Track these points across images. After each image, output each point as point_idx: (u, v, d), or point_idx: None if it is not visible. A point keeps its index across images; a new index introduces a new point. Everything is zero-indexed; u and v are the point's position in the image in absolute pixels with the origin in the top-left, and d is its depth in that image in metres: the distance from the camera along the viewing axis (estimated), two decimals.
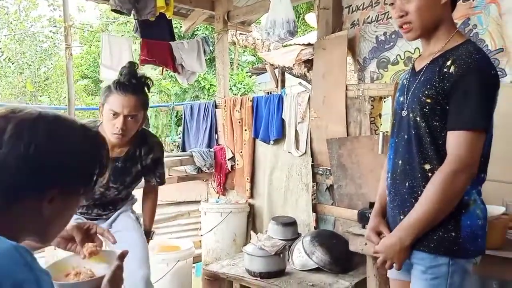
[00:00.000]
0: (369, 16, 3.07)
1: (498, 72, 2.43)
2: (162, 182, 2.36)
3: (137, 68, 2.06)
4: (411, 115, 1.44)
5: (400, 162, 1.49)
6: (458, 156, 1.31)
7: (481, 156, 1.35)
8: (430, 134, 1.39)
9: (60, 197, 0.88)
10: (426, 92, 1.39)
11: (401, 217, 1.46)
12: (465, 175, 1.31)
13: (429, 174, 1.39)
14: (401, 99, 1.51)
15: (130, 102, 1.97)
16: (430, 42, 1.46)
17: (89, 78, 15.12)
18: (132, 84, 1.99)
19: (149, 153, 2.21)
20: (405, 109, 1.47)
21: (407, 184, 1.46)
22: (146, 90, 2.07)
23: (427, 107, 1.38)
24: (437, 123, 1.38)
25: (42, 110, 0.91)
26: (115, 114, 1.98)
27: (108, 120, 2.00)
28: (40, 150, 0.84)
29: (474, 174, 1.34)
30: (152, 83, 2.11)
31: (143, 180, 2.35)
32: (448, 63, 1.35)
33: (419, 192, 1.40)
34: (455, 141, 1.33)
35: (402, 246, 1.40)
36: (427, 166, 1.40)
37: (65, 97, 14.36)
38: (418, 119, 1.41)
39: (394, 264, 1.44)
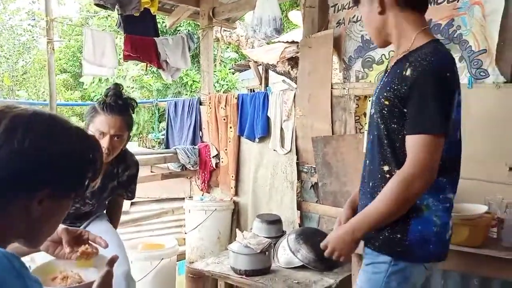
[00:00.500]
0: (354, 15, 3.09)
1: (481, 73, 2.50)
2: (132, 197, 2.46)
3: (122, 89, 2.14)
4: (374, 116, 1.46)
5: (367, 161, 1.54)
6: (416, 160, 1.31)
7: (440, 160, 1.34)
8: (388, 136, 1.40)
9: (50, 199, 0.87)
10: (385, 94, 1.39)
11: None
12: (423, 180, 1.31)
13: (387, 176, 1.41)
14: (373, 98, 1.53)
15: (116, 123, 2.04)
16: (397, 44, 1.47)
17: (68, 72, 14.84)
18: (118, 105, 2.05)
19: (125, 170, 2.30)
20: (372, 108, 1.50)
21: (370, 183, 1.49)
22: (131, 111, 2.14)
23: (386, 109, 1.39)
24: (395, 126, 1.38)
25: (37, 108, 0.90)
26: (102, 134, 2.03)
27: None
28: (33, 147, 0.82)
29: (433, 178, 1.33)
30: (137, 104, 2.20)
31: None
32: (406, 65, 1.35)
33: (378, 193, 1.42)
34: (414, 144, 1.33)
35: (351, 238, 1.42)
36: (386, 168, 1.42)
37: (43, 92, 14.09)
38: (378, 120, 1.43)
39: (341, 257, 1.47)
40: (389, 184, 1.36)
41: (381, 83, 1.47)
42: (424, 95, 1.30)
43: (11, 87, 12.93)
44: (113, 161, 2.24)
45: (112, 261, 1.11)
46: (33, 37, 13.80)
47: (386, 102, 1.38)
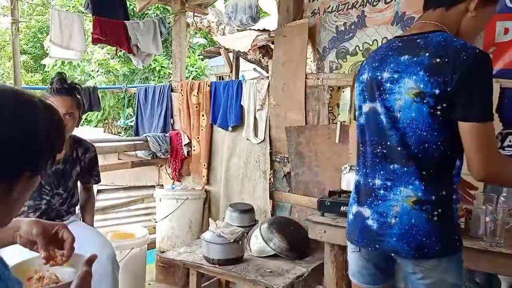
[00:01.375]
0: (329, 5, 3.10)
1: None
2: (99, 179, 2.65)
3: (66, 76, 2.35)
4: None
5: None
6: None
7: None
8: None
9: (29, 179, 0.83)
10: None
11: None
12: None
13: None
14: None
15: (66, 102, 2.24)
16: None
17: (28, 54, 14.23)
18: (65, 88, 2.26)
19: (85, 153, 2.50)
20: None
21: None
22: (77, 93, 2.33)
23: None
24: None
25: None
26: None
27: None
28: (6, 130, 0.77)
29: None
30: (81, 87, 2.43)
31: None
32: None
33: None
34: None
35: None
36: None
37: (3, 74, 13.45)
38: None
39: None
40: None
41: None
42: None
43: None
44: (69, 144, 2.41)
45: (90, 261, 1.05)
46: None
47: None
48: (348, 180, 2.39)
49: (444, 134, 1.34)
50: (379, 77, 1.45)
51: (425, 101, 1.32)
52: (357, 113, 1.54)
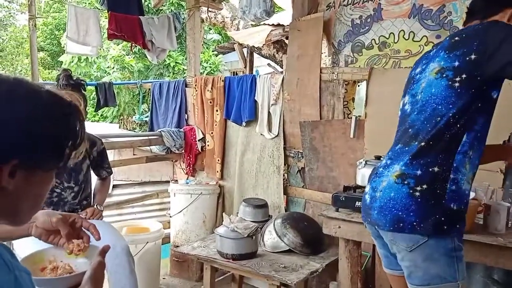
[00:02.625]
0: None
1: None
2: (111, 171, 2.72)
3: (71, 72, 2.45)
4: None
5: None
6: None
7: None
8: None
9: (23, 171, 0.79)
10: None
11: None
12: None
13: None
14: None
15: (72, 97, 2.22)
16: None
17: (45, 51, 14.42)
18: (71, 84, 2.35)
19: (93, 146, 2.54)
20: None
21: None
22: (82, 90, 2.41)
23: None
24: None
25: (4, 74, 0.81)
26: None
27: None
28: None
29: None
30: (86, 83, 2.51)
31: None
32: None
33: None
34: None
35: None
36: None
37: (21, 70, 13.65)
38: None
39: None
40: None
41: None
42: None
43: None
44: None
45: (103, 251, 1.06)
46: (10, 13, 13.29)
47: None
48: (363, 175, 2.35)
49: (458, 107, 1.36)
50: (412, 74, 1.57)
51: (444, 75, 1.37)
52: None
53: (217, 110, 3.66)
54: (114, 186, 5.93)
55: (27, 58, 13.86)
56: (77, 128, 0.89)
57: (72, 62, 10.75)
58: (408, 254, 1.42)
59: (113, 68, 10.53)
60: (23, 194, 0.82)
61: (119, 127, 9.63)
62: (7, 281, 0.71)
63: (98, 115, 11.25)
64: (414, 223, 1.37)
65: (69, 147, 0.88)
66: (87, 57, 10.63)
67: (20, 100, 0.78)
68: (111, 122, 10.59)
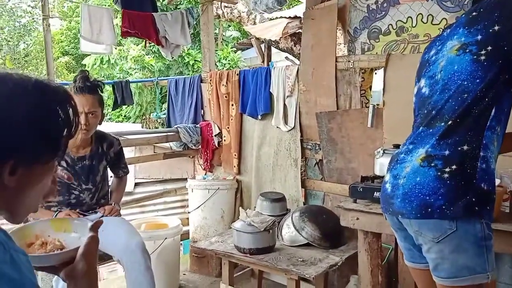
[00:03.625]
0: None
1: None
2: (127, 171, 2.73)
3: (89, 73, 2.38)
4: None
5: None
6: None
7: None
8: None
9: (23, 167, 0.77)
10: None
11: None
12: None
13: None
14: None
15: (88, 101, 2.29)
16: None
17: (70, 55, 14.71)
18: (87, 86, 2.30)
19: (110, 147, 2.54)
20: None
21: None
22: (99, 91, 2.38)
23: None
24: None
25: None
26: None
27: None
28: None
29: None
30: (103, 84, 2.45)
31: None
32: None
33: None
34: None
35: None
36: None
37: (45, 74, 13.99)
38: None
39: None
40: None
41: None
42: None
43: (13, 70, 12.81)
44: (94, 140, 2.47)
45: (95, 226, 1.00)
46: (33, 18, 13.62)
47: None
48: (382, 165, 2.27)
49: (485, 81, 1.29)
50: (426, 58, 1.51)
51: (467, 50, 1.31)
52: None
53: (232, 105, 3.62)
54: (136, 184, 6.01)
55: (52, 62, 14.19)
56: (70, 115, 0.86)
57: (95, 64, 10.92)
58: (434, 246, 1.33)
59: (134, 69, 10.65)
60: (25, 189, 0.81)
61: (142, 127, 9.74)
62: (2, 260, 0.69)
63: (121, 115, 11.41)
64: (443, 207, 1.28)
65: (65, 136, 0.85)
66: (109, 59, 10.80)
67: (9, 96, 0.76)
68: (134, 122, 10.72)
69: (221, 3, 4.33)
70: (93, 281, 0.95)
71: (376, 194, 2.20)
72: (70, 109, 0.86)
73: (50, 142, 0.83)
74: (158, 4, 4.17)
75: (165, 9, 7.53)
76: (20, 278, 0.70)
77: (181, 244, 3.81)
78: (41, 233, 1.06)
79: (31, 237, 1.05)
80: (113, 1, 3.86)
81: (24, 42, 13.64)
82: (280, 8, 3.14)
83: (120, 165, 2.67)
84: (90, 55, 11.02)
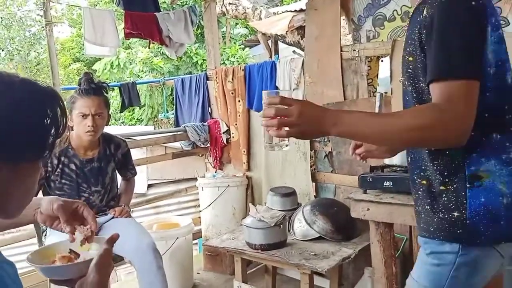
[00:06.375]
0: None
1: (501, 21, 2.32)
2: (135, 172, 2.73)
3: (93, 75, 2.39)
4: (402, 78, 1.24)
5: None
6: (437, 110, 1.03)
7: (484, 111, 1.07)
8: (418, 98, 1.17)
9: (7, 165, 0.77)
10: (408, 49, 1.17)
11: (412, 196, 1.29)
12: (440, 131, 1.02)
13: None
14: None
15: (94, 103, 2.29)
16: None
17: (81, 61, 14.87)
18: (92, 88, 2.31)
19: (117, 149, 2.53)
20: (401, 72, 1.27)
21: (410, 157, 1.28)
22: (104, 92, 2.38)
23: (411, 67, 1.16)
24: (424, 85, 1.12)
25: None
26: (84, 116, 2.28)
27: (79, 123, 2.30)
28: None
29: (463, 132, 1.03)
30: (108, 86, 2.46)
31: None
32: (424, 6, 1.10)
33: (427, 171, 1.20)
34: (435, 93, 1.05)
35: (325, 129, 1.06)
36: None
37: (51, 79, 14.15)
38: (405, 82, 1.21)
39: (285, 136, 1.09)
40: (417, 111, 1.11)
41: (404, 40, 1.25)
42: (443, 31, 1.05)
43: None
44: (101, 143, 2.46)
45: (112, 240, 1.02)
46: (42, 27, 13.78)
47: (410, 59, 1.15)
48: None
49: None
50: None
51: None
52: (495, 70, 1.11)
53: (239, 101, 3.59)
54: (149, 186, 6.03)
55: (64, 69, 14.38)
56: (58, 115, 0.85)
57: (105, 69, 11.02)
58: None
59: (144, 71, 10.71)
60: (10, 188, 0.80)
61: (154, 129, 9.80)
62: None
63: (134, 118, 11.50)
64: None
65: (52, 136, 0.84)
66: (118, 63, 10.89)
67: None
68: (146, 124, 10.79)
69: (224, 0, 4.30)
70: None
71: (386, 183, 2.15)
72: (58, 109, 0.86)
73: (35, 140, 0.82)
74: (164, 5, 4.16)
75: (170, 8, 7.55)
76: None
77: (195, 243, 3.80)
78: (65, 251, 1.10)
79: (54, 256, 1.08)
80: (115, 3, 3.86)
81: (35, 51, 13.82)
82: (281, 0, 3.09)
83: (128, 167, 2.66)
84: (100, 60, 11.16)
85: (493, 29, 1.10)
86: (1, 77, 0.80)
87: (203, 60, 9.83)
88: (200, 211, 3.58)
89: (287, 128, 1.07)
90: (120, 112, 7.60)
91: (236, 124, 3.65)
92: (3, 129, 0.75)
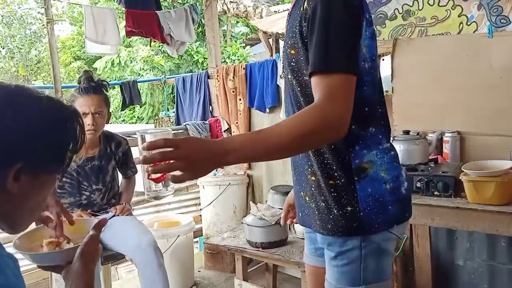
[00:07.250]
0: None
1: (501, 20, 2.32)
2: (136, 171, 2.70)
3: (92, 73, 2.38)
4: (285, 72, 1.22)
5: None
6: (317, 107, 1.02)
7: (363, 105, 1.11)
8: (302, 92, 1.15)
9: (27, 175, 0.80)
10: (289, 42, 1.14)
11: (301, 193, 1.28)
12: (325, 130, 1.01)
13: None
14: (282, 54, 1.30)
15: (94, 101, 2.28)
16: None
17: (82, 59, 14.86)
18: (92, 86, 2.30)
19: (118, 147, 2.53)
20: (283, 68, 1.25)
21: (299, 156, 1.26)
22: (104, 90, 2.37)
23: (293, 60, 1.14)
24: (307, 78, 1.09)
25: (7, 82, 0.84)
26: (84, 114, 2.25)
27: None
28: None
29: (344, 126, 1.02)
30: (108, 84, 2.45)
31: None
32: (304, 0, 1.09)
33: (314, 166, 1.19)
34: (315, 87, 1.04)
35: (219, 160, 0.97)
36: None
37: (52, 77, 14.17)
38: (289, 77, 1.18)
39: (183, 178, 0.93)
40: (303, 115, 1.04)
41: (285, 33, 1.22)
42: (323, 25, 1.03)
43: (26, 77, 13.03)
44: (102, 141, 2.46)
45: (99, 225, 1.01)
46: (43, 25, 13.79)
47: (292, 52, 1.13)
48: None
49: None
50: None
51: None
52: (370, 65, 1.13)
53: (240, 99, 3.59)
54: None
55: (65, 67, 14.39)
56: (77, 131, 0.91)
57: (106, 67, 11.03)
58: None
59: (145, 69, 10.71)
60: (26, 198, 0.84)
61: (155, 127, 9.80)
62: None
63: (134, 117, 11.50)
64: None
65: (70, 150, 0.89)
66: (119, 61, 10.89)
67: (21, 106, 0.81)
68: (147, 123, 10.80)
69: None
70: (88, 283, 0.93)
71: None
72: (78, 127, 0.91)
73: (57, 153, 0.87)
74: (165, 3, 4.16)
75: (171, 7, 7.55)
76: (5, 283, 0.70)
77: (196, 241, 3.81)
78: (52, 234, 1.09)
79: (43, 238, 1.08)
80: (116, 1, 3.86)
81: (35, 49, 13.83)
82: None
83: (129, 165, 2.66)
84: (101, 58, 11.16)
85: (368, 25, 1.11)
86: (31, 92, 0.85)
87: (204, 58, 9.83)
88: (201, 209, 3.59)
89: (177, 172, 0.93)
90: (121, 111, 7.61)
91: (237, 123, 3.66)
92: (30, 139, 0.80)
